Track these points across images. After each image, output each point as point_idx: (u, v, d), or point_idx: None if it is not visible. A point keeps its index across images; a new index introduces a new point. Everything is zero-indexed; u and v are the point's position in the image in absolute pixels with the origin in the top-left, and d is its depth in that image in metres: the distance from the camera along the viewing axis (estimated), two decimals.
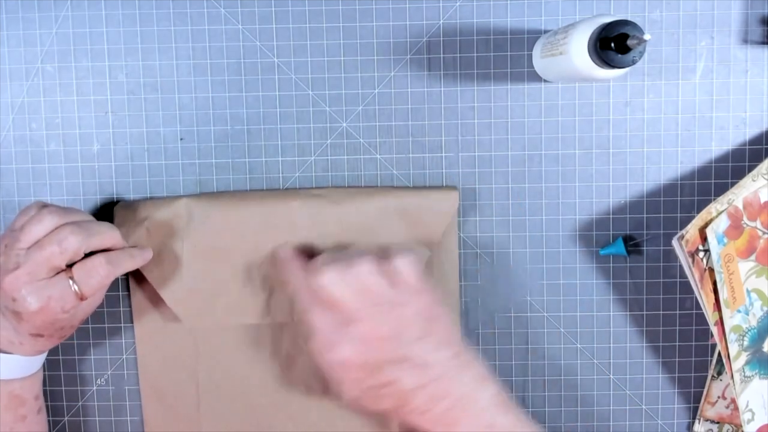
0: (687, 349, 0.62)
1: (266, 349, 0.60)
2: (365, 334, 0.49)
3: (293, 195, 0.59)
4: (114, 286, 0.61)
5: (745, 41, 0.59)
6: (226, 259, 0.58)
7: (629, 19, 0.46)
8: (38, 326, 0.52)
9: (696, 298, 0.56)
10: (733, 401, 0.61)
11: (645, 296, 0.61)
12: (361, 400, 0.50)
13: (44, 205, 0.53)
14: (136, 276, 0.59)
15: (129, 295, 0.60)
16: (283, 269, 0.56)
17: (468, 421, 0.48)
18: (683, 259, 0.55)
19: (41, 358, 0.56)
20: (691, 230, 0.55)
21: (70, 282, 0.51)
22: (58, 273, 0.51)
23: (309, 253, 0.57)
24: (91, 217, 0.54)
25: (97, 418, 0.62)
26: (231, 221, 0.58)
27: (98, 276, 0.51)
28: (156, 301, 0.60)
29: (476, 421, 0.48)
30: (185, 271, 0.58)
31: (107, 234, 0.53)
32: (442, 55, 0.59)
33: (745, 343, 0.57)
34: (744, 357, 0.57)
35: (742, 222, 0.56)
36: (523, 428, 0.49)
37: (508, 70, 0.60)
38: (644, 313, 0.61)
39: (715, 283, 0.55)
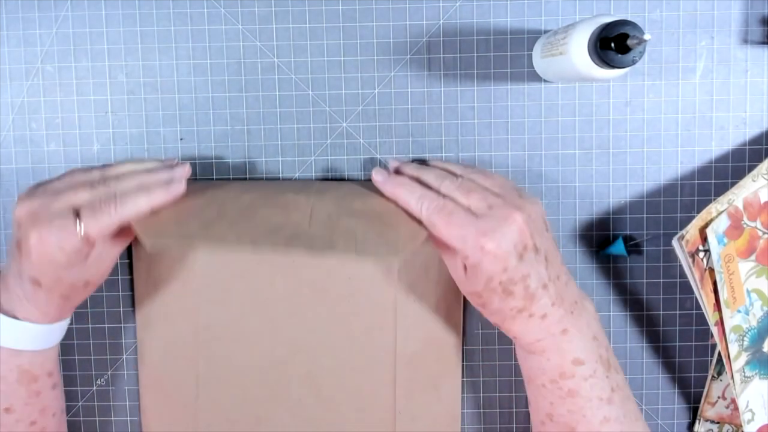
0: (687, 349, 0.62)
1: (268, 341, 0.60)
2: (520, 218, 0.49)
3: (293, 183, 0.59)
4: (114, 286, 0.61)
5: (745, 41, 0.59)
6: (234, 254, 0.58)
7: (629, 19, 0.46)
8: (36, 267, 0.49)
9: (696, 298, 0.56)
10: (733, 401, 0.61)
11: (645, 296, 0.61)
12: (490, 296, 0.50)
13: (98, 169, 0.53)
14: (141, 261, 0.59)
15: (132, 284, 0.60)
16: (387, 187, 0.53)
17: (577, 331, 0.51)
18: (683, 259, 0.55)
19: (52, 336, 0.53)
20: (691, 230, 0.55)
21: (74, 217, 0.48)
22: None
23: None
24: (135, 164, 0.53)
25: (97, 418, 0.62)
26: (237, 215, 0.54)
27: (105, 217, 0.48)
28: (159, 288, 0.60)
29: (585, 331, 0.51)
30: (196, 262, 0.57)
31: (135, 192, 0.50)
32: (442, 55, 0.59)
33: (745, 343, 0.57)
34: (744, 357, 0.57)
35: (742, 222, 0.56)
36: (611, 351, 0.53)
37: (508, 70, 0.60)
38: (644, 313, 0.61)
39: (715, 283, 0.55)
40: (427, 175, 0.53)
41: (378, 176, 0.54)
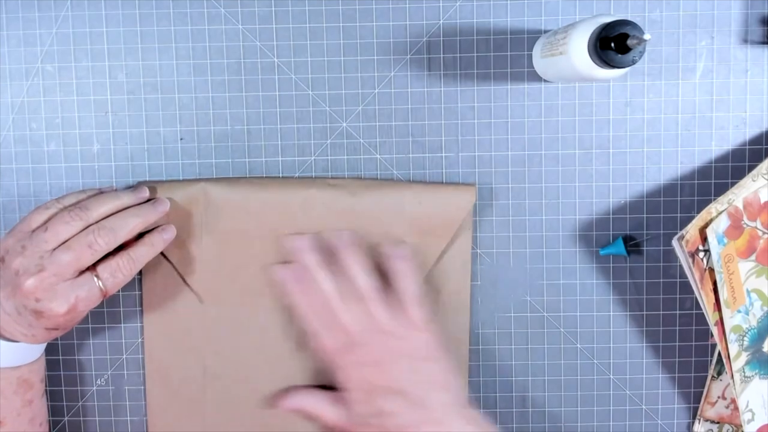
0: (687, 349, 0.62)
1: (276, 336, 0.60)
2: (362, 357, 0.52)
3: (310, 183, 0.59)
4: None
5: (745, 41, 0.59)
6: (243, 246, 0.58)
7: (629, 19, 0.46)
8: (58, 323, 0.52)
9: (696, 298, 0.56)
10: (733, 401, 0.61)
11: (645, 296, 0.61)
12: (355, 424, 0.53)
13: (64, 206, 0.53)
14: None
15: (140, 281, 0.60)
16: (282, 286, 0.57)
17: None
18: (683, 259, 0.55)
19: (43, 346, 0.56)
20: (691, 230, 0.55)
21: (95, 279, 0.52)
22: (82, 272, 0.52)
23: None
24: (114, 201, 0.54)
25: (97, 418, 0.62)
26: (248, 207, 0.58)
27: (122, 275, 0.53)
28: (167, 282, 0.60)
29: None
30: (205, 254, 0.58)
31: (132, 225, 0.54)
32: (442, 55, 0.59)
33: (745, 343, 0.57)
34: (744, 357, 0.57)
35: (742, 222, 0.56)
36: None
37: (508, 70, 0.60)
38: (644, 313, 0.61)
39: (715, 283, 0.55)
40: (322, 285, 0.55)
41: (281, 272, 0.57)
